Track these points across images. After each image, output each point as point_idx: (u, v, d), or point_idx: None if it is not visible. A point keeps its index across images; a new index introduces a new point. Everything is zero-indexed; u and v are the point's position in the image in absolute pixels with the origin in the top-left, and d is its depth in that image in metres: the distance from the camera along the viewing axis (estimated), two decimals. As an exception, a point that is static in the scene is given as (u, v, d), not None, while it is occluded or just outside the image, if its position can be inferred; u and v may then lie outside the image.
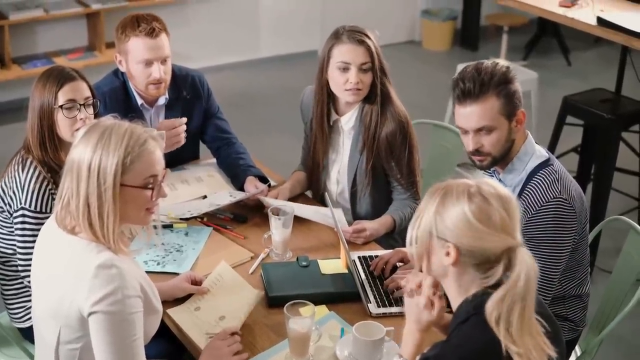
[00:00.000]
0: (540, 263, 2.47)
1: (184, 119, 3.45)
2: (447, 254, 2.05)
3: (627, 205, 5.19)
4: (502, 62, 2.80)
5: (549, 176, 2.73)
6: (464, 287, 2.09)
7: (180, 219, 3.28)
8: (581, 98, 4.99)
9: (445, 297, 2.43)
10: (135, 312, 2.24)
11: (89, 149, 2.24)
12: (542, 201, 2.68)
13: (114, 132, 2.25)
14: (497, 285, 2.02)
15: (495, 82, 2.68)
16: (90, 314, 2.21)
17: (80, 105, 2.93)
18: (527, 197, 2.72)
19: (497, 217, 2.01)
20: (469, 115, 2.70)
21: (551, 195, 2.69)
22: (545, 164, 2.77)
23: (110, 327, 2.21)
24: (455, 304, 2.13)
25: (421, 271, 2.16)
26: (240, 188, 3.51)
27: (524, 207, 2.69)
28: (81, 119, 2.92)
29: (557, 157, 5.16)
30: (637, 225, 3.09)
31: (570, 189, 2.74)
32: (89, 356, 2.28)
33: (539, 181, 2.73)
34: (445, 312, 2.28)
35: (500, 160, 2.77)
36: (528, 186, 2.73)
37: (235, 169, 3.61)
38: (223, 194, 3.47)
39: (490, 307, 1.99)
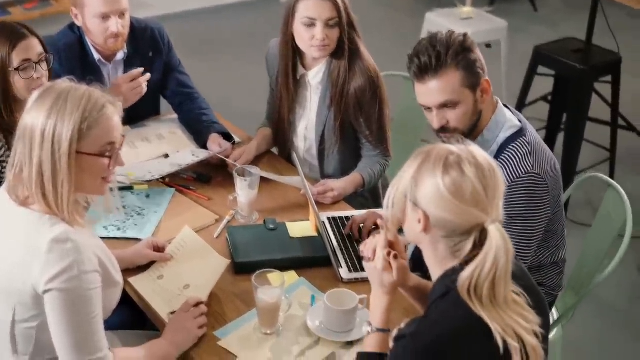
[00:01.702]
0: (513, 239, 2.38)
1: (141, 69, 3.32)
2: (419, 220, 1.97)
3: (599, 157, 5.12)
4: (458, 30, 2.63)
5: (521, 149, 2.58)
6: (440, 258, 2.01)
7: (141, 181, 3.14)
8: (552, 48, 4.89)
9: (417, 261, 2.35)
10: (93, 289, 2.13)
11: (42, 114, 2.11)
12: (514, 176, 2.54)
13: (70, 96, 2.13)
14: (471, 260, 1.93)
15: (453, 53, 2.51)
16: (45, 291, 2.10)
17: (35, 63, 2.80)
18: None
19: (470, 191, 1.91)
20: (430, 91, 2.55)
21: (523, 170, 2.55)
22: (518, 134, 2.62)
23: (67, 305, 2.10)
24: (434, 277, 2.04)
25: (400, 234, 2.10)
26: (204, 146, 3.38)
27: None
28: (38, 77, 2.79)
29: (527, 106, 5.15)
30: (615, 183, 3.00)
31: (544, 162, 2.59)
32: (46, 335, 2.17)
33: (511, 155, 2.58)
34: (411, 272, 2.23)
35: (469, 134, 2.61)
36: (499, 160, 2.57)
37: (197, 126, 3.47)
38: (185, 153, 3.32)
39: (459, 285, 1.91)
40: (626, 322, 4.04)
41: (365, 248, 2.19)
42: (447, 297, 1.94)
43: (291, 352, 2.36)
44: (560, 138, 5.05)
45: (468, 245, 1.93)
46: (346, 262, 2.73)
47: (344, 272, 2.68)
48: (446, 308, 1.94)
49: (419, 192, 1.96)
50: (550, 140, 5.08)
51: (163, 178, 3.17)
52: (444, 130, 2.60)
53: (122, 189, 3.07)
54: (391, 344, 2.01)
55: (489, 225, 1.91)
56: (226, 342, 2.39)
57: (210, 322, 2.46)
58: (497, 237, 1.89)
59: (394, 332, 2.02)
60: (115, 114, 2.19)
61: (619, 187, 3.00)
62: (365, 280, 2.63)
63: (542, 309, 2.04)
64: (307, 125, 3.33)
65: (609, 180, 3.06)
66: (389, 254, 2.13)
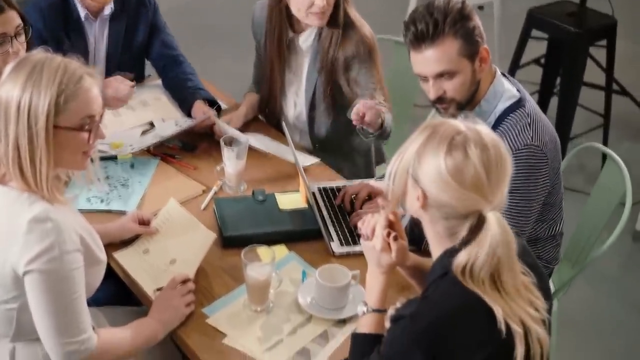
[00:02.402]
0: (510, 213, 2.28)
1: (131, 76, 3.20)
2: (417, 197, 1.89)
3: (593, 122, 5.04)
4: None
5: (520, 120, 2.48)
6: (439, 237, 1.93)
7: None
8: (546, 10, 4.79)
9: (416, 235, 2.29)
10: (74, 269, 2.05)
11: (17, 87, 2.01)
12: (512, 149, 2.43)
13: (46, 68, 2.02)
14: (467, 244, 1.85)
15: (451, 20, 2.40)
16: (25, 273, 2.02)
17: (11, 37, 2.66)
18: None
19: (472, 175, 1.82)
20: (426, 60, 2.44)
21: (522, 142, 2.45)
22: (517, 105, 2.52)
23: (48, 287, 2.02)
24: (434, 255, 1.97)
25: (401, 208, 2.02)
26: (189, 113, 3.27)
27: None
28: (14, 52, 2.65)
29: (520, 68, 5.06)
30: (614, 153, 2.92)
31: (543, 134, 2.49)
32: (27, 316, 2.09)
33: (509, 126, 2.48)
34: (410, 250, 2.15)
35: (466, 105, 2.51)
36: (497, 131, 2.45)
37: (182, 92, 3.36)
38: (168, 124, 3.22)
39: (454, 268, 1.84)
40: (620, 291, 4.01)
41: (363, 226, 2.11)
42: (446, 277, 1.87)
43: (282, 330, 2.29)
44: (554, 102, 4.97)
45: (463, 229, 1.85)
46: (338, 236, 2.64)
47: (335, 246, 2.60)
48: (446, 289, 1.86)
49: (421, 169, 1.88)
50: (543, 105, 5.00)
51: (147, 147, 3.08)
52: (441, 101, 2.50)
53: (105, 158, 2.98)
54: (387, 324, 1.94)
55: (487, 212, 1.83)
56: (215, 319, 2.32)
57: (198, 298, 2.39)
58: (494, 227, 1.81)
59: (390, 312, 1.95)
60: (93, 86, 2.10)
61: (616, 156, 2.93)
62: (357, 255, 2.56)
63: (546, 291, 1.97)
64: (297, 90, 3.23)
65: (606, 149, 3.00)
66: (388, 234, 2.05)
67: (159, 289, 2.39)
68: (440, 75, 2.45)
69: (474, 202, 1.83)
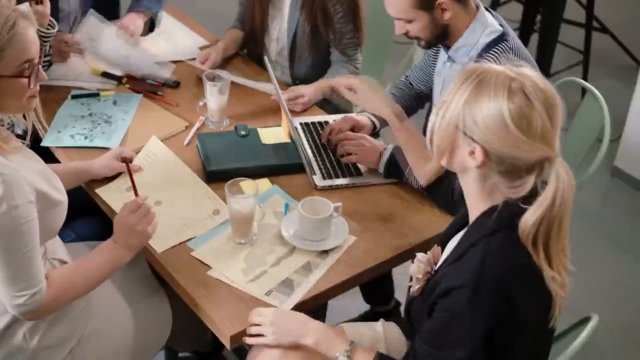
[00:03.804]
0: None
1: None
2: (472, 153, 1.74)
3: (572, 59, 5.06)
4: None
5: (502, 53, 2.48)
6: (487, 191, 1.79)
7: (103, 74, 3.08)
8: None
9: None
10: (24, 223, 1.99)
11: None
12: None
13: None
14: (528, 198, 1.72)
15: None
16: None
17: None
18: None
19: (539, 123, 1.68)
20: (386, 3, 2.49)
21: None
22: (500, 39, 2.52)
23: None
24: (475, 210, 1.84)
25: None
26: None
27: None
28: None
29: (499, 5, 5.05)
30: (594, 88, 2.94)
31: None
32: None
33: (492, 59, 2.47)
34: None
35: (440, 41, 2.56)
36: None
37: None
38: (148, 61, 3.19)
39: (525, 228, 1.71)
40: (599, 226, 4.05)
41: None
42: (500, 234, 1.75)
43: (266, 262, 2.31)
44: (534, 40, 4.97)
45: (529, 182, 1.71)
46: (320, 169, 2.67)
47: (317, 179, 2.63)
48: (504, 246, 1.74)
49: (475, 122, 1.71)
50: (523, 41, 4.96)
51: (130, 84, 3.07)
52: (409, 37, 2.55)
53: (88, 95, 2.97)
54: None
55: (554, 159, 1.69)
56: (200, 252, 2.34)
57: (183, 232, 2.39)
58: (563, 171, 1.68)
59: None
60: (29, 28, 2.00)
61: (596, 91, 2.94)
62: (340, 188, 2.60)
63: None
64: (280, 26, 3.23)
65: (586, 84, 3.01)
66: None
67: None
68: (398, 19, 2.50)
69: (541, 152, 1.69)
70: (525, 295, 1.73)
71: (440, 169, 1.89)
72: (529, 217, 1.70)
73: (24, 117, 2.16)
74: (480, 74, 1.73)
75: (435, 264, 1.96)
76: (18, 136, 2.20)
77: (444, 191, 2.37)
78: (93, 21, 3.11)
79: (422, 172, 2.41)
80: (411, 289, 1.99)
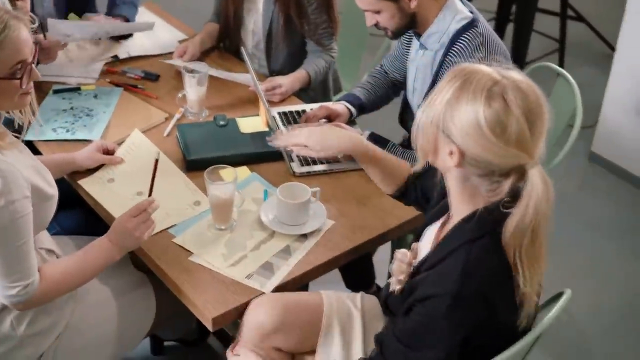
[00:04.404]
0: None
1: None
2: (450, 153, 1.75)
3: (548, 47, 5.12)
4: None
5: (473, 40, 2.54)
6: (468, 192, 1.80)
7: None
8: None
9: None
10: (20, 217, 2.03)
11: None
12: None
13: None
14: (512, 203, 1.72)
15: None
16: None
17: None
18: (450, 62, 2.56)
19: (515, 129, 1.67)
20: None
21: (475, 61, 2.51)
22: (470, 25, 2.57)
23: None
24: (457, 212, 1.86)
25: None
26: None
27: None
28: None
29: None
30: (565, 72, 3.00)
31: (496, 54, 2.56)
32: None
33: (462, 46, 2.55)
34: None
35: (407, 30, 2.63)
36: (451, 51, 2.56)
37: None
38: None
39: (506, 234, 1.72)
40: (577, 210, 4.11)
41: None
42: (481, 241, 1.76)
43: (246, 246, 2.36)
44: (510, 29, 5.03)
45: (505, 187, 1.72)
46: (298, 156, 2.71)
47: (295, 166, 2.68)
48: (484, 255, 1.75)
49: (454, 123, 1.72)
50: (499, 31, 5.05)
51: (110, 78, 3.12)
52: (378, 28, 2.61)
53: (68, 90, 3.01)
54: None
55: (530, 168, 1.69)
56: (181, 239, 2.38)
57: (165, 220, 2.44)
58: (538, 183, 1.68)
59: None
60: (21, 29, 1.99)
61: (568, 76, 2.99)
62: (317, 174, 2.65)
63: None
64: (255, 19, 3.27)
65: (559, 69, 3.05)
66: None
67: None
68: (367, 10, 2.57)
69: (516, 159, 1.69)
70: (505, 299, 1.75)
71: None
72: (508, 223, 1.71)
73: (20, 111, 2.18)
74: (466, 74, 1.74)
75: (415, 258, 1.98)
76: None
77: (412, 200, 2.40)
78: (55, 23, 3.08)
79: (387, 190, 2.44)
80: (390, 286, 2.01)
